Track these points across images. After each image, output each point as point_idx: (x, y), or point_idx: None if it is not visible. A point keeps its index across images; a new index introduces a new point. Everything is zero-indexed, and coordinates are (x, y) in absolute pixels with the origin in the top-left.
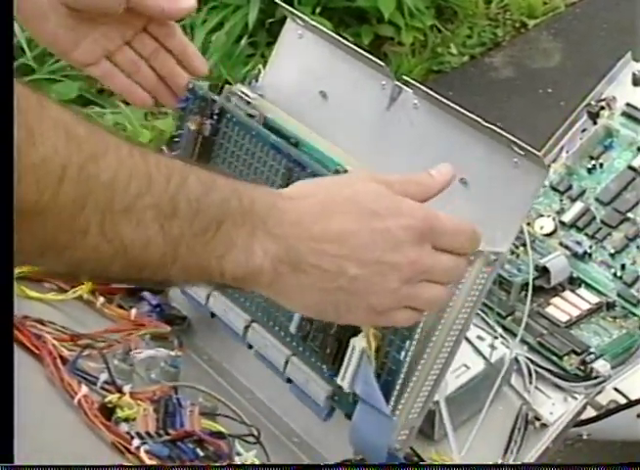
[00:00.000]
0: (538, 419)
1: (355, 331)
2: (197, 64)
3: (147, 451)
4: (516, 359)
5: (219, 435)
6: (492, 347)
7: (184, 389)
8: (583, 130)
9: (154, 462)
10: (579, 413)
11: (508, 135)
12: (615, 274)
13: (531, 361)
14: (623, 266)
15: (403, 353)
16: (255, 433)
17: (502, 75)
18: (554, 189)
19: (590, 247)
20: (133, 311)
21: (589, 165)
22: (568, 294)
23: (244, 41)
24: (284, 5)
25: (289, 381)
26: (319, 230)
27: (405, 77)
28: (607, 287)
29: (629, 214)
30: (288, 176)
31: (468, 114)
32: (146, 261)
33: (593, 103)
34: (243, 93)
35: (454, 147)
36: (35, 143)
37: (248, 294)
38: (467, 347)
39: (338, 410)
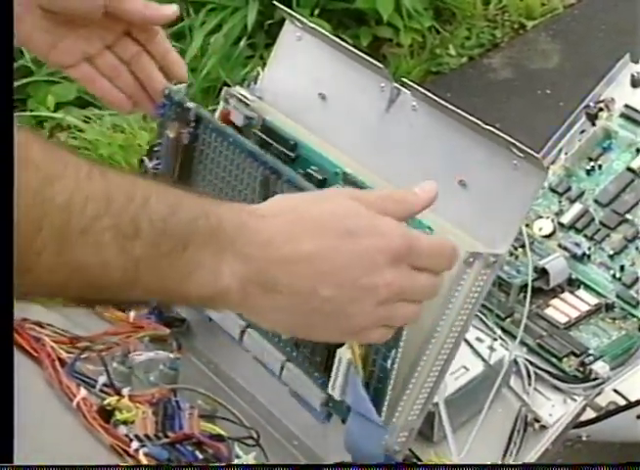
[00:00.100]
0: (538, 421)
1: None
2: (176, 69)
3: (146, 454)
4: (515, 361)
5: (218, 437)
6: (491, 348)
7: (183, 391)
8: (582, 132)
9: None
10: (579, 415)
11: (507, 137)
12: (614, 276)
13: (531, 363)
14: (622, 268)
15: (390, 362)
16: (255, 435)
17: (501, 77)
18: (553, 190)
19: (589, 248)
20: (132, 314)
21: (588, 167)
22: (567, 295)
23: (242, 43)
24: (282, 7)
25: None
26: (292, 250)
27: (404, 79)
28: (606, 288)
29: (628, 216)
30: (266, 183)
31: (467, 115)
32: (105, 283)
33: (592, 104)
34: (241, 95)
35: (453, 149)
36: None
37: None
38: (466, 348)
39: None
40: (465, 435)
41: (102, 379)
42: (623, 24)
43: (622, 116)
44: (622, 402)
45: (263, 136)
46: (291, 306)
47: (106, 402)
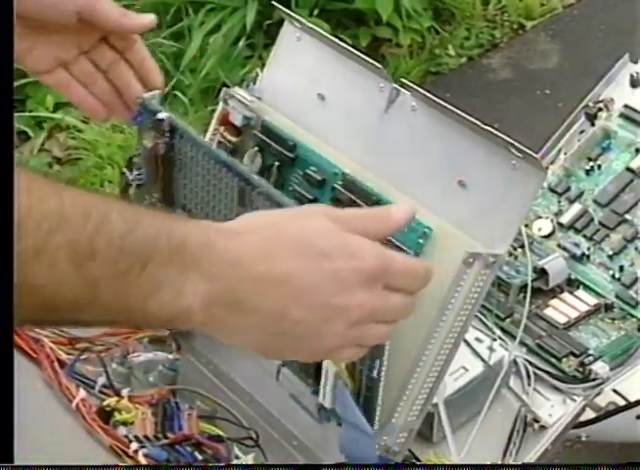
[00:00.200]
0: (537, 421)
1: None
2: (151, 77)
3: (145, 455)
4: (514, 361)
5: (218, 438)
6: (491, 349)
7: (182, 392)
8: (581, 132)
9: None
10: (578, 415)
11: (506, 137)
12: (613, 276)
13: (530, 363)
14: (622, 268)
15: (376, 372)
16: (254, 436)
17: (500, 77)
18: (552, 191)
19: (588, 248)
20: None
21: (587, 167)
22: (566, 295)
23: (241, 43)
24: (281, 7)
25: None
26: (262, 271)
27: (403, 79)
28: (605, 288)
29: (627, 216)
30: (242, 193)
31: (466, 116)
32: (60, 302)
33: (591, 104)
34: (240, 96)
35: (452, 149)
36: None
37: None
38: (465, 349)
39: None
40: (464, 435)
41: (101, 380)
42: (623, 25)
43: (622, 116)
44: (622, 403)
45: (262, 137)
46: (260, 327)
47: (105, 403)
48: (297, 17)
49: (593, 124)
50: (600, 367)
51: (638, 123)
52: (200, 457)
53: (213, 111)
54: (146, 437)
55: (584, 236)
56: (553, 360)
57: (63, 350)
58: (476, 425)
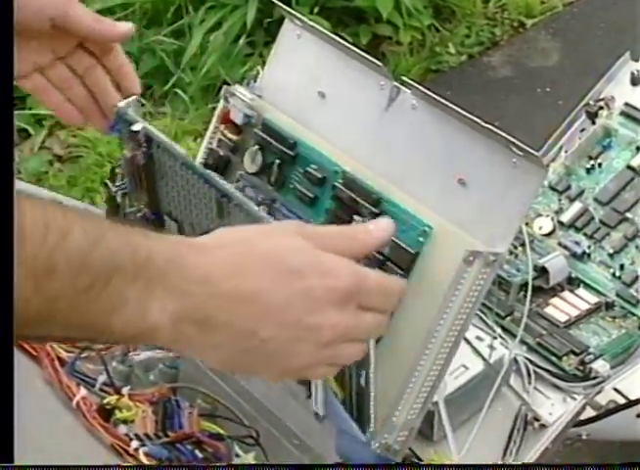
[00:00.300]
0: (537, 420)
1: None
2: (128, 83)
3: (146, 453)
4: (515, 360)
5: (218, 436)
6: (491, 347)
7: (183, 390)
8: (582, 130)
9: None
10: (579, 414)
11: (507, 135)
12: (613, 274)
13: (530, 362)
14: (622, 266)
15: (363, 381)
16: (254, 434)
17: (500, 75)
18: (553, 189)
19: (589, 247)
20: None
21: (588, 165)
22: (566, 294)
23: (242, 41)
24: (282, 5)
25: None
26: (231, 287)
27: (404, 77)
28: (606, 287)
29: (628, 214)
30: (219, 206)
31: (467, 114)
32: (24, 318)
33: (592, 102)
34: (241, 94)
35: (453, 147)
36: None
37: None
38: (466, 347)
39: None
40: (465, 434)
41: (102, 378)
42: (623, 23)
43: (622, 114)
44: (622, 401)
45: (263, 135)
46: (229, 344)
47: (105, 402)
48: (298, 14)
49: (594, 122)
50: (600, 366)
51: (639, 121)
52: (200, 455)
53: (214, 108)
54: (146, 435)
55: (585, 234)
56: (553, 359)
57: (63, 348)
58: (476, 423)
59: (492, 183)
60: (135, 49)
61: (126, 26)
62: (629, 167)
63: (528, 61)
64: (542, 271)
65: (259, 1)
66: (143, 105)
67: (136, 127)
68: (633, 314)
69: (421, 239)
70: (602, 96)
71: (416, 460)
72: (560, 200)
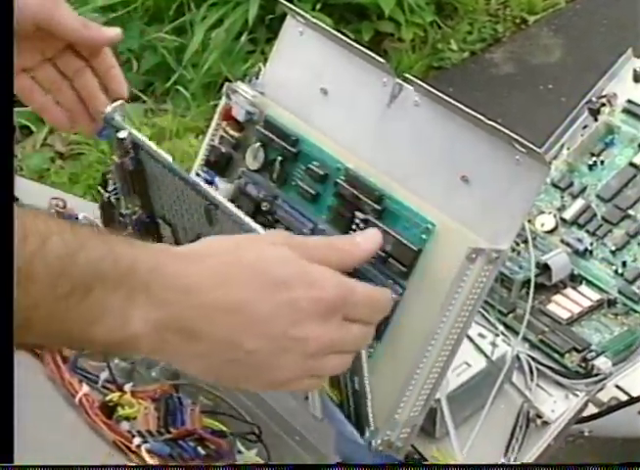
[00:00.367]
0: (540, 417)
1: None
2: (116, 86)
3: (148, 450)
4: (517, 357)
5: (220, 433)
6: (494, 344)
7: (185, 387)
8: (584, 127)
9: (155, 461)
10: (581, 410)
11: (509, 132)
12: (616, 271)
13: (533, 359)
14: (624, 263)
15: (357, 386)
16: (257, 431)
17: (502, 71)
18: (555, 186)
19: (591, 244)
20: None
21: (590, 162)
22: (569, 291)
23: (244, 38)
24: (284, 2)
25: None
26: (215, 297)
27: (406, 74)
28: (608, 284)
29: (630, 211)
30: (208, 213)
31: (469, 111)
32: None
33: (594, 99)
34: (243, 90)
35: (455, 144)
36: None
37: None
38: (468, 344)
39: None
40: (467, 431)
41: (104, 375)
42: (625, 19)
43: (625, 111)
44: (624, 398)
45: (265, 131)
46: (213, 355)
47: (108, 398)
48: (300, 11)
49: (596, 119)
50: (603, 363)
51: None
52: (202, 452)
53: (216, 105)
54: (149, 432)
55: (587, 231)
56: (556, 356)
57: None
58: (478, 420)
59: (495, 180)
60: (137, 46)
61: (114, 32)
62: (632, 164)
63: (531, 58)
64: (544, 268)
65: None
66: (144, 102)
67: (122, 135)
68: (635, 311)
69: (424, 236)
70: (604, 93)
71: (418, 457)
72: (562, 197)
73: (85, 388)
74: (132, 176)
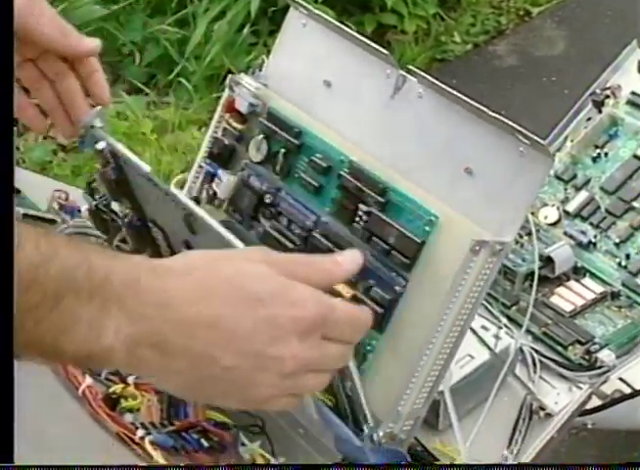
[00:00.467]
0: (543, 409)
1: None
2: (97, 91)
3: (151, 442)
4: (520, 349)
5: (224, 425)
6: (497, 337)
7: None
8: (588, 119)
9: (158, 452)
10: (584, 403)
11: (513, 124)
12: (619, 264)
13: (536, 351)
14: (628, 256)
15: (349, 390)
16: (260, 423)
17: (506, 64)
18: (558, 178)
19: (595, 236)
20: None
21: (594, 154)
22: (572, 283)
23: (246, 30)
24: None
25: None
26: (192, 313)
27: (410, 66)
28: (611, 276)
29: (634, 204)
30: (187, 221)
31: (473, 103)
32: None
33: (598, 91)
34: (246, 83)
35: (459, 136)
36: None
37: None
38: (471, 337)
39: None
40: (470, 423)
41: None
42: (630, 11)
43: (629, 102)
44: (628, 391)
45: (268, 124)
46: (189, 371)
47: (111, 390)
48: (303, 3)
49: (600, 111)
50: (606, 355)
51: None
52: (206, 444)
53: (218, 98)
54: (152, 423)
55: (591, 224)
56: (559, 348)
57: None
58: (482, 413)
59: (499, 172)
60: (139, 38)
61: (93, 43)
62: (636, 156)
63: (534, 49)
64: (548, 261)
65: None
66: (147, 94)
67: (100, 146)
68: (639, 304)
69: (427, 228)
70: (608, 85)
71: (421, 449)
72: (566, 189)
73: (88, 380)
74: (117, 184)
